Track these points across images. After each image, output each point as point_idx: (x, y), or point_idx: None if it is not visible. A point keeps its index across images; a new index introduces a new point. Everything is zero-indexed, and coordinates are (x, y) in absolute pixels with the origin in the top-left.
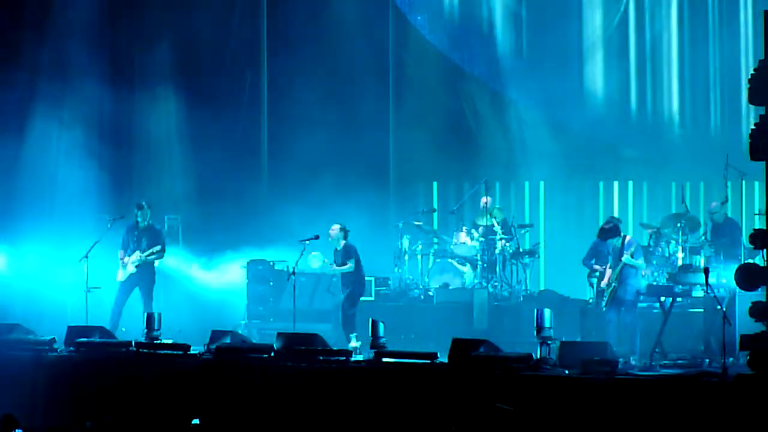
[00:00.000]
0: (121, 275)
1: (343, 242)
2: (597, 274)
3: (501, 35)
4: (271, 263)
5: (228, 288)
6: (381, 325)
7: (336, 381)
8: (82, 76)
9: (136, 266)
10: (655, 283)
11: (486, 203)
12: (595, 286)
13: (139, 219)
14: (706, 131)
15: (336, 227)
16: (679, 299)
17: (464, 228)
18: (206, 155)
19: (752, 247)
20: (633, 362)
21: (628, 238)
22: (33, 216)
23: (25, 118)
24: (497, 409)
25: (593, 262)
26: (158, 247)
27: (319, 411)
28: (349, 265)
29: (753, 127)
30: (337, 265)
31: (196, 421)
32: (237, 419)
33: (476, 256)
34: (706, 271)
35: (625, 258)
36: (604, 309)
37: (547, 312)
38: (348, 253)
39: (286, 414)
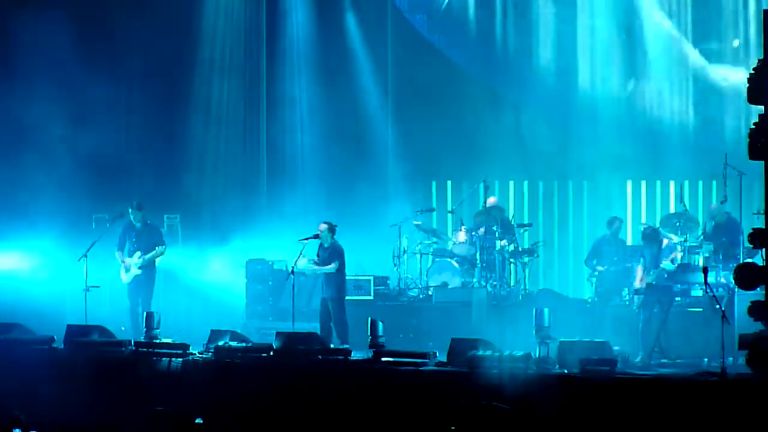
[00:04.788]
0: (126, 277)
1: (331, 241)
2: (597, 273)
3: (500, 35)
4: (270, 263)
5: (227, 287)
6: (380, 325)
7: (335, 380)
8: (80, 76)
9: (140, 267)
10: (654, 283)
11: (492, 203)
12: (595, 285)
13: (135, 218)
14: (705, 130)
15: (324, 225)
16: (678, 299)
17: (463, 227)
18: (205, 154)
19: (751, 246)
20: (665, 361)
21: (666, 241)
22: (32, 215)
23: (23, 117)
24: (496, 408)
25: (595, 262)
26: (162, 247)
27: (318, 410)
28: (332, 266)
29: (752, 126)
30: (321, 263)
31: (198, 420)
32: (236, 418)
33: (475, 255)
34: (705, 270)
35: (666, 264)
36: (636, 309)
37: (546, 311)
38: (335, 254)
39: (286, 413)
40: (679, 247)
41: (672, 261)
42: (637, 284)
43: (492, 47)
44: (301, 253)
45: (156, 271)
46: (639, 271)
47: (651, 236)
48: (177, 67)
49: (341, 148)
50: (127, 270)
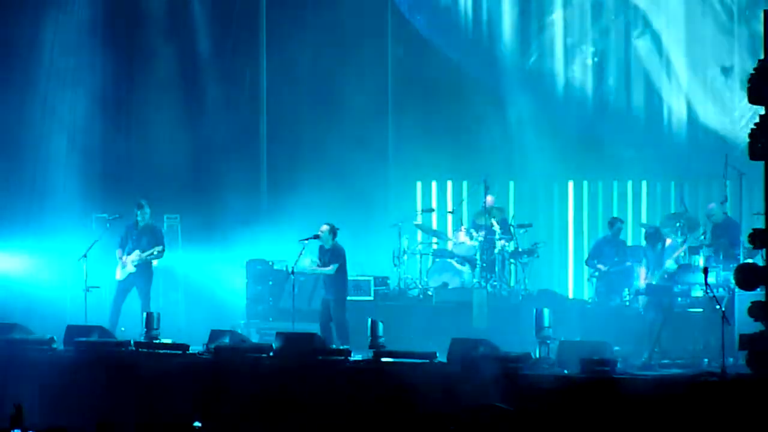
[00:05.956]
0: (119, 274)
1: (332, 243)
2: (597, 273)
3: (501, 35)
4: (270, 263)
5: (227, 287)
6: (380, 325)
7: (335, 381)
8: (81, 75)
9: (136, 265)
10: (654, 283)
11: (491, 202)
12: (595, 286)
13: (138, 218)
14: (704, 130)
15: (325, 227)
16: (679, 299)
17: (463, 227)
18: (205, 155)
19: (751, 246)
20: (665, 361)
21: (669, 241)
22: (32, 215)
23: (23, 116)
24: (496, 408)
25: (596, 262)
26: (160, 247)
27: (318, 411)
28: (331, 268)
29: (753, 126)
30: (323, 264)
31: (197, 423)
32: (236, 418)
33: (475, 255)
34: (705, 270)
35: (669, 264)
36: (642, 311)
37: (546, 311)
38: (335, 256)
39: (286, 413)
40: (682, 247)
41: (675, 260)
42: (641, 283)
43: (492, 47)
44: (301, 254)
45: (153, 273)
46: (642, 272)
47: (654, 236)
48: (177, 68)
49: (341, 148)
50: (123, 267)
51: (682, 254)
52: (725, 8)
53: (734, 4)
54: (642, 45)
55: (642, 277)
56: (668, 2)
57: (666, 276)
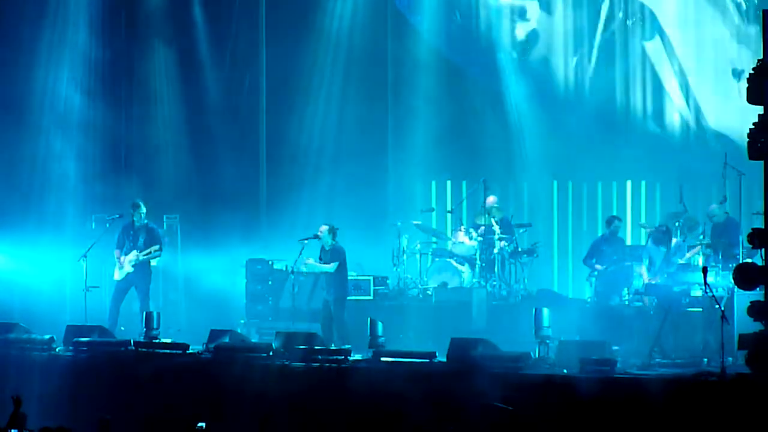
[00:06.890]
0: (117, 274)
1: (331, 243)
2: (596, 273)
3: (500, 35)
4: (270, 262)
5: (227, 287)
6: (380, 325)
7: (334, 380)
8: (78, 78)
9: (133, 266)
10: (653, 283)
11: (492, 202)
12: (594, 285)
13: (135, 218)
14: (705, 130)
15: (324, 227)
16: (682, 299)
17: (463, 227)
18: (205, 155)
19: (750, 246)
20: (665, 361)
21: (675, 240)
22: (32, 215)
23: (22, 118)
24: (496, 408)
25: (594, 261)
26: (156, 247)
27: (318, 410)
28: (331, 266)
29: (752, 126)
30: (323, 264)
31: (201, 424)
32: (236, 418)
33: (475, 255)
34: (705, 270)
35: (684, 260)
36: (652, 312)
37: (545, 311)
38: (334, 255)
39: (285, 413)
40: (698, 246)
41: (689, 260)
42: (645, 282)
43: (492, 47)
44: (301, 253)
45: (151, 272)
46: (644, 272)
47: (665, 235)
48: (177, 68)
49: (341, 148)
50: (121, 268)
51: (698, 254)
52: (737, 9)
53: (747, 5)
54: (649, 45)
55: (645, 277)
56: (678, 2)
57: (665, 276)
